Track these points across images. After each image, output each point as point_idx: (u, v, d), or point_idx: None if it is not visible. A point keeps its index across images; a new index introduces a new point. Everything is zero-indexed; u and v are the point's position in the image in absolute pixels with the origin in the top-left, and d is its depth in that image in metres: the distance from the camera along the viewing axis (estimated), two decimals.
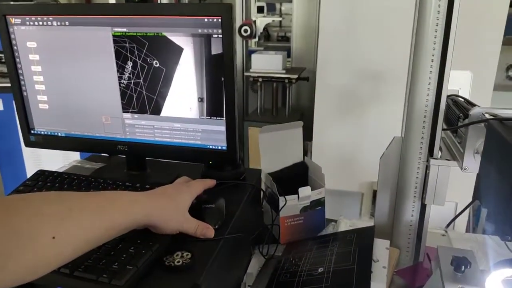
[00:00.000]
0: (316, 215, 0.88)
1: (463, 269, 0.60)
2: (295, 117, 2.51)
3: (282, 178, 0.90)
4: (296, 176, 0.95)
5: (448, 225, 0.93)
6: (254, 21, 2.53)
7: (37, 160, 2.08)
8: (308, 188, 0.85)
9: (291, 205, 0.84)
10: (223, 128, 0.75)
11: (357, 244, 0.76)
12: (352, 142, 1.90)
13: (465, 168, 0.68)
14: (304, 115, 2.61)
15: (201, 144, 0.77)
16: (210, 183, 0.70)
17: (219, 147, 0.76)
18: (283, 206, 0.82)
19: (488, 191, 0.60)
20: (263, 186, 0.88)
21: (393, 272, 0.76)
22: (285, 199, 0.83)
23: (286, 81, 2.44)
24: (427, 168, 0.75)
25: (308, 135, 1.93)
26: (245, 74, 2.51)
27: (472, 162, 0.67)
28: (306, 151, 1.99)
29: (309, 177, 0.95)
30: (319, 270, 0.71)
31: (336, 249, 0.77)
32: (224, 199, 0.69)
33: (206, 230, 0.61)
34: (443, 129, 0.74)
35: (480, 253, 0.81)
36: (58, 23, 0.76)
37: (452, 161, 0.72)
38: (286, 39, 3.73)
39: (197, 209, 0.64)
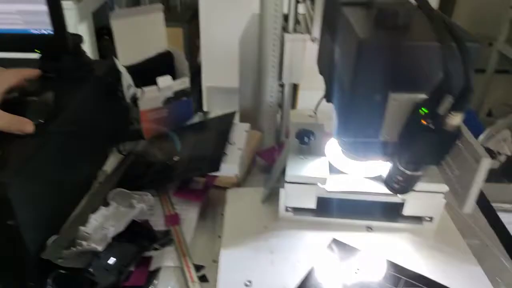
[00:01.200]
0: (181, 106, 0.83)
1: (306, 141, 0.60)
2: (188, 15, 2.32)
3: (145, 70, 0.82)
4: (162, 67, 0.87)
5: (316, 107, 0.94)
6: None
7: None
8: (168, 77, 0.79)
9: (151, 97, 0.78)
10: (44, 7, 0.62)
11: (217, 129, 0.73)
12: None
13: (313, 40, 0.65)
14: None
15: (21, 29, 0.64)
16: (27, 72, 0.59)
17: (44, 31, 0.64)
18: (139, 98, 0.76)
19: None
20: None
21: (255, 154, 0.76)
22: (143, 90, 0.76)
23: None
24: (283, 45, 0.71)
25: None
26: None
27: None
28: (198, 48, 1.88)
29: (175, 67, 0.88)
30: (175, 159, 0.68)
31: (197, 136, 0.74)
32: (53, 92, 0.60)
33: (23, 125, 0.52)
34: (298, 2, 0.70)
35: None
36: None
37: (306, 35, 0.69)
38: None
39: (14, 103, 0.55)
